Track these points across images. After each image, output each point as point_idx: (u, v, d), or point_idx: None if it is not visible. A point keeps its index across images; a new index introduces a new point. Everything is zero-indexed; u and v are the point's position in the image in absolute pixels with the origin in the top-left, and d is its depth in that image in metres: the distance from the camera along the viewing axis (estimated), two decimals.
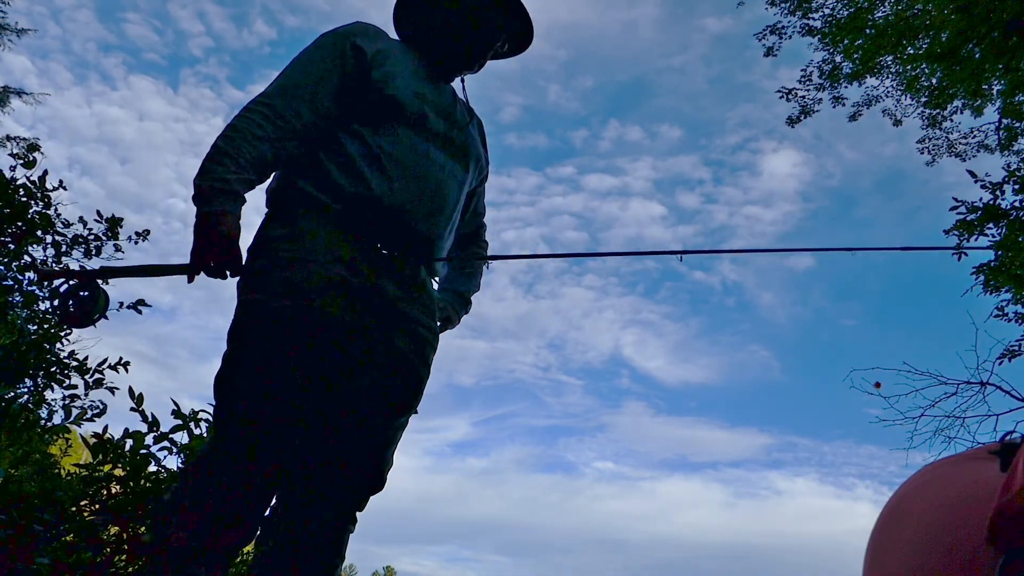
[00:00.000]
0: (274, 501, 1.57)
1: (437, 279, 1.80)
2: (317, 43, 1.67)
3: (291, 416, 1.48)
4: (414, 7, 1.83)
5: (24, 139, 9.99)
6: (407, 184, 1.61)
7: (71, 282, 1.62)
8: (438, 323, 1.73)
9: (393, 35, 1.86)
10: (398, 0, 1.85)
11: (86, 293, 1.60)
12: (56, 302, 1.70)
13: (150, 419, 2.58)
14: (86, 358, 3.34)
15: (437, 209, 1.66)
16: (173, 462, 2.59)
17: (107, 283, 1.92)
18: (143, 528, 2.40)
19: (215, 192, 1.46)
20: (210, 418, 2.60)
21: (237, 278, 1.58)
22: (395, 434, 1.62)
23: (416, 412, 1.67)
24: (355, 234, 1.56)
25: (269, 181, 1.67)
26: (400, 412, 1.62)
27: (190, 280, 1.55)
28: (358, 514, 1.62)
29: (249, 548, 1.64)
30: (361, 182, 1.57)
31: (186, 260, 1.54)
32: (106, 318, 1.98)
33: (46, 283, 3.33)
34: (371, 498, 1.63)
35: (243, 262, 1.55)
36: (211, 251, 1.47)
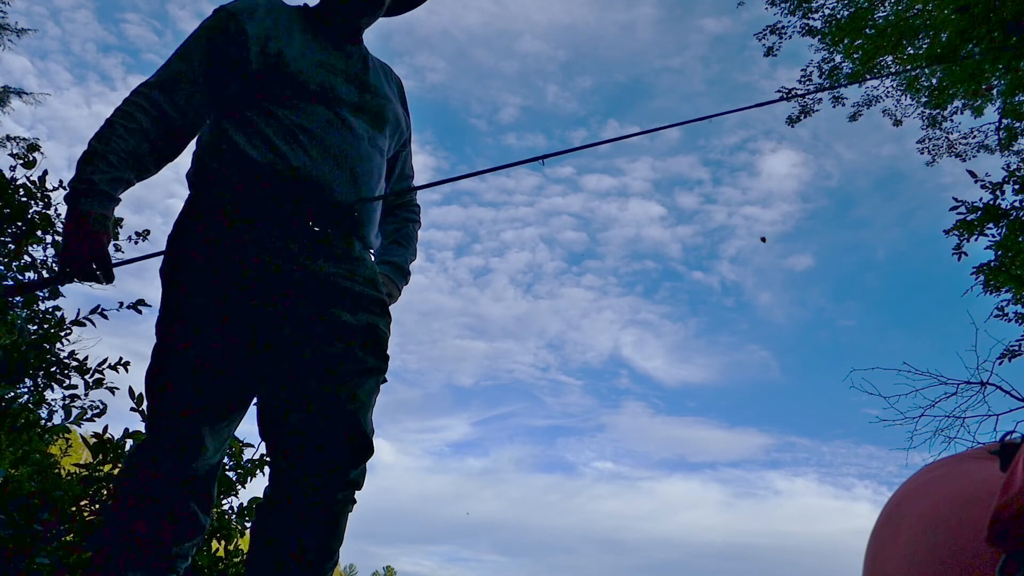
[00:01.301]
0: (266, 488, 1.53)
1: (373, 251, 1.73)
2: (201, 26, 1.63)
3: (222, 408, 1.48)
4: None
5: (24, 139, 10.06)
6: (327, 155, 1.55)
7: None
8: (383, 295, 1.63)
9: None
10: None
11: None
12: None
13: None
14: (86, 358, 3.33)
15: (361, 178, 1.61)
16: None
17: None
18: None
19: (80, 194, 1.45)
20: None
21: (160, 265, 1.55)
22: (368, 399, 1.52)
23: (386, 380, 1.58)
24: (280, 214, 1.51)
25: (189, 166, 1.62)
26: (365, 376, 1.52)
27: (63, 284, 1.52)
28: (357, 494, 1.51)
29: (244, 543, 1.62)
30: (280, 158, 1.51)
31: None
32: None
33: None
34: (374, 500, 1.58)
35: (113, 263, 1.50)
36: (79, 254, 1.45)
